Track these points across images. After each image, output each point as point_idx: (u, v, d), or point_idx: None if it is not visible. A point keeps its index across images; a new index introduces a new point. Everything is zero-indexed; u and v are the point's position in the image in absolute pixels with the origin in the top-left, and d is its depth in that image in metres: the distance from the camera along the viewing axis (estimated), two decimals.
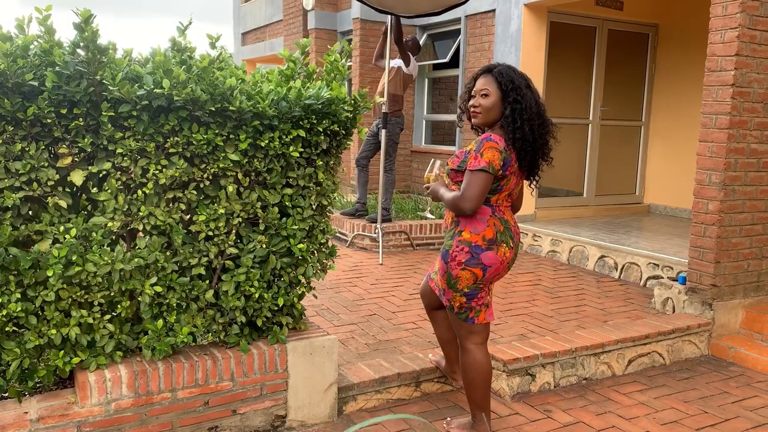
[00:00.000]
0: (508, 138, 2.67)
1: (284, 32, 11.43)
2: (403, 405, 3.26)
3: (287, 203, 2.86)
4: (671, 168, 7.69)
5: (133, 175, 2.52)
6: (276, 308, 2.93)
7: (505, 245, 2.74)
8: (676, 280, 4.68)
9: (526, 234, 6.62)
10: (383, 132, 6.21)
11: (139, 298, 2.61)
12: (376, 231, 6.10)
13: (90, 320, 2.51)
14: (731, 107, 4.06)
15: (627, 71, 7.78)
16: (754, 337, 4.25)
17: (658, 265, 5.27)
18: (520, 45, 6.68)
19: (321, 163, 2.92)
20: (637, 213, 7.83)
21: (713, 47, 4.15)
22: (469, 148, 2.72)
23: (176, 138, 2.52)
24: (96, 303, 2.52)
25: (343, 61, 3.06)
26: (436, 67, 8.45)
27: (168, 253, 2.64)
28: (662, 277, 5.15)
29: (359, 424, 1.37)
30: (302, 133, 2.76)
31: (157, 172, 2.52)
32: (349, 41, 8.74)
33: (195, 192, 2.65)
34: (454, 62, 7.90)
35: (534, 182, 2.85)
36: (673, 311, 4.50)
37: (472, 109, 2.78)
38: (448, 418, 3.08)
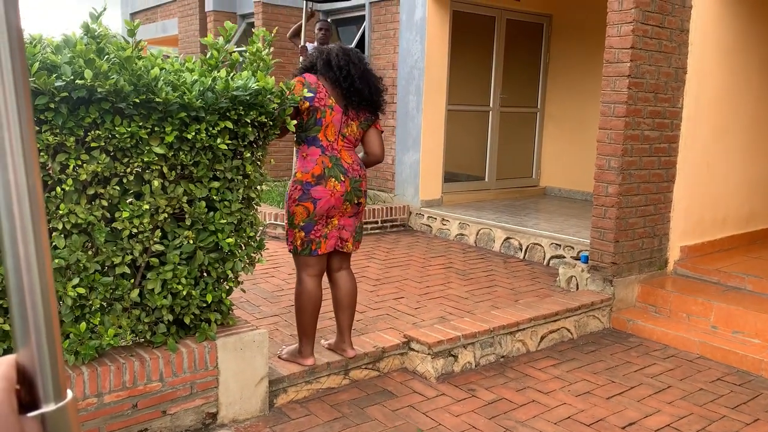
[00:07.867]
0: (320, 76, 3.08)
1: (178, 13, 10.96)
2: (333, 394, 3.29)
3: (214, 197, 2.79)
4: (564, 152, 8.13)
5: (50, 171, 2.37)
6: (204, 305, 2.86)
7: (334, 179, 3.08)
8: (579, 259, 4.98)
9: (435, 218, 6.78)
10: None
11: (60, 301, 2.47)
12: None
13: (6, 327, 2.35)
14: (627, 97, 4.36)
15: (524, 60, 8.12)
16: (648, 310, 4.61)
17: (560, 245, 5.58)
18: (425, 33, 6.79)
19: (248, 155, 2.86)
20: (534, 195, 8.23)
21: (610, 40, 4.43)
22: None
23: (98, 131, 2.38)
24: None
25: (266, 51, 3.01)
26: None
27: (90, 253, 2.51)
28: (564, 257, 5.47)
29: None
30: (230, 125, 2.70)
31: (78, 167, 2.38)
32: (252, 24, 8.51)
33: (118, 187, 2.53)
34: (359, 49, 7.90)
35: (376, 121, 3.21)
36: (577, 288, 4.80)
37: None
38: (283, 347, 3.43)
